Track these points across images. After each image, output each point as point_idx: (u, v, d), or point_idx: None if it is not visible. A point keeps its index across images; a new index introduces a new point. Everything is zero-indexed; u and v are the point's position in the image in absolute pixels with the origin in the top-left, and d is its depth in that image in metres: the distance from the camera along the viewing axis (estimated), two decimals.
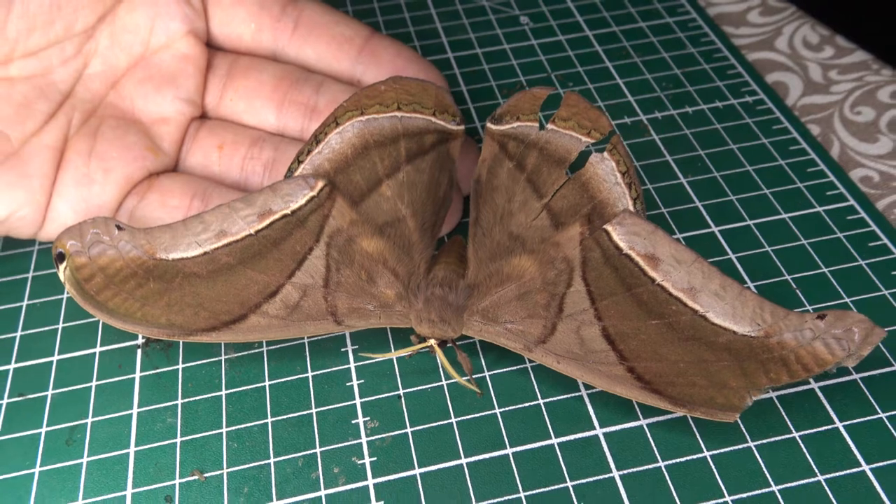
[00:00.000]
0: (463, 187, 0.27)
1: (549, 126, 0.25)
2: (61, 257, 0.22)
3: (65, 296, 0.25)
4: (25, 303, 0.25)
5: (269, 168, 0.26)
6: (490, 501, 0.20)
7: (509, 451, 0.21)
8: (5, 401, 0.23)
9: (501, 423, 0.21)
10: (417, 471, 0.21)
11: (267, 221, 0.23)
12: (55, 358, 0.24)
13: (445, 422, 0.22)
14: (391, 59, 0.28)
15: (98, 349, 0.24)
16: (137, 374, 0.23)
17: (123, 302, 0.21)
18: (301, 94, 0.27)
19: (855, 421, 0.21)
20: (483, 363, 0.23)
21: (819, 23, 0.34)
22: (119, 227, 0.22)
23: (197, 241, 0.22)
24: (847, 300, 0.24)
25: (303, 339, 0.24)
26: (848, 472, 0.20)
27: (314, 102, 0.27)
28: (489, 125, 0.26)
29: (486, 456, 0.21)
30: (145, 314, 0.21)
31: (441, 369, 0.23)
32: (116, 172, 0.25)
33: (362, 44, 0.28)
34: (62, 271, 0.22)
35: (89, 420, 0.22)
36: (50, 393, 0.23)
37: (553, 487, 0.20)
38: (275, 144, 0.27)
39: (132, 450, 0.21)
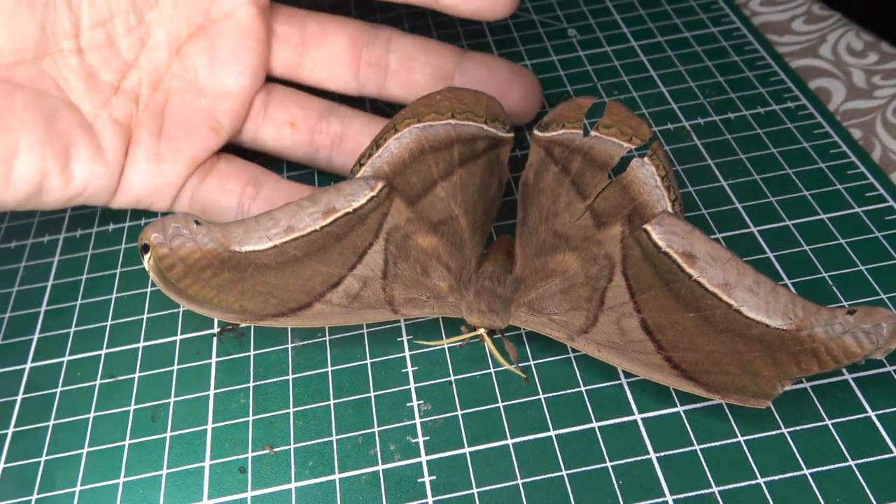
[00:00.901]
0: None
1: (593, 133, 0.27)
2: (146, 248, 0.24)
3: (149, 289, 0.28)
4: (114, 295, 0.28)
5: (337, 143, 0.29)
6: (534, 478, 0.21)
7: (552, 433, 0.22)
8: (98, 381, 0.25)
9: (545, 408, 0.23)
10: (467, 449, 0.22)
11: (331, 218, 0.25)
12: (141, 344, 0.26)
13: (493, 406, 0.23)
14: (487, 78, 0.29)
15: (178, 337, 0.26)
16: (213, 360, 0.25)
17: (201, 289, 0.24)
18: (372, 54, 0.29)
19: (887, 410, 0.22)
20: (529, 352, 0.24)
21: (864, 30, 0.34)
22: (197, 222, 0.25)
23: (267, 235, 0.25)
24: (883, 296, 0.24)
25: (362, 328, 0.25)
26: (879, 457, 0.21)
27: (386, 62, 0.29)
28: (536, 132, 0.27)
29: (531, 437, 0.22)
30: (220, 301, 0.24)
31: (489, 357, 0.24)
32: (184, 153, 0.27)
33: (453, 70, 0.29)
34: (147, 261, 0.24)
35: (172, 400, 0.24)
36: (137, 375, 0.25)
37: (593, 467, 0.22)
38: (340, 118, 0.29)
39: (210, 426, 0.24)
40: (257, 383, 0.25)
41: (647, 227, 0.24)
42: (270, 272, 0.24)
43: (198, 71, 0.28)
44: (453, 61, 0.29)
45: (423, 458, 0.22)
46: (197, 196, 0.28)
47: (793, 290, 0.25)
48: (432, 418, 0.23)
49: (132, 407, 0.24)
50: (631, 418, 0.22)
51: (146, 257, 0.24)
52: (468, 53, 0.30)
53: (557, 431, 0.22)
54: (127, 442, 0.24)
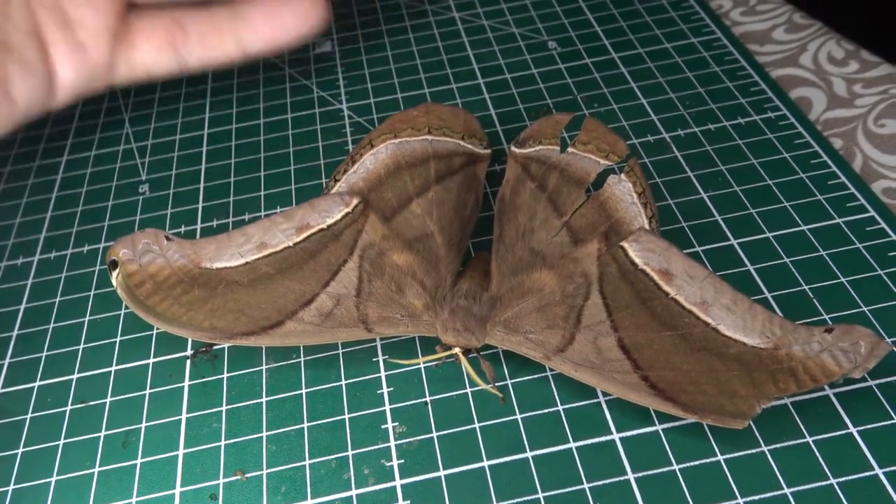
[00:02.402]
0: None
1: (570, 149, 0.26)
2: (114, 265, 0.24)
3: (122, 311, 0.27)
4: (87, 318, 0.27)
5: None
6: (510, 502, 0.21)
7: (529, 454, 0.22)
8: (69, 407, 0.25)
9: (522, 428, 0.23)
10: (442, 472, 0.22)
11: (304, 235, 0.25)
12: (113, 368, 0.26)
13: (469, 427, 0.23)
14: None
15: (151, 360, 0.26)
16: (186, 383, 0.25)
17: (170, 307, 0.23)
18: None
19: (869, 426, 0.21)
20: (506, 371, 0.24)
21: (844, 38, 0.34)
22: (168, 238, 0.24)
23: (239, 251, 0.24)
24: (864, 309, 0.24)
25: (337, 349, 0.25)
26: (861, 475, 0.20)
27: None
28: (513, 148, 0.27)
29: (508, 459, 0.22)
30: (190, 318, 0.23)
31: (466, 377, 0.24)
32: (98, 28, 0.28)
33: None
34: (115, 277, 0.24)
35: (143, 425, 0.24)
36: (108, 400, 0.25)
37: (571, 489, 0.21)
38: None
39: (181, 452, 0.23)
40: (230, 406, 0.24)
41: (624, 244, 0.23)
42: (242, 289, 0.24)
43: None
44: None
45: (398, 482, 0.22)
46: (132, 63, 0.29)
47: (773, 303, 0.24)
48: (407, 440, 0.23)
49: (103, 433, 0.24)
50: (609, 438, 0.22)
51: (114, 274, 0.24)
52: None
53: (534, 452, 0.22)
54: (97, 469, 0.23)
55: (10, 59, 0.27)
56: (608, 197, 0.25)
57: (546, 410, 0.23)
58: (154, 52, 0.29)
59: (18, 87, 0.27)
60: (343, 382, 0.24)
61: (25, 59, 0.28)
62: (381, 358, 0.25)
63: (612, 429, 0.22)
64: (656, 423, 0.22)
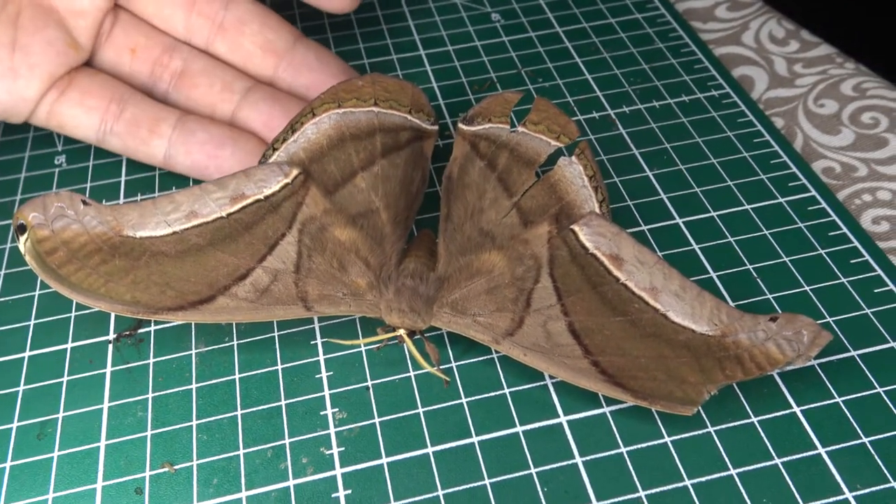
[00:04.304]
0: None
1: (520, 129, 0.25)
2: (22, 229, 0.22)
3: (37, 292, 0.25)
4: None
5: (176, 78, 0.28)
6: (456, 489, 0.20)
7: (475, 439, 0.21)
8: None
9: (468, 413, 0.22)
10: (385, 460, 0.21)
11: (239, 205, 0.23)
12: (26, 354, 0.24)
13: (413, 412, 0.22)
14: (315, 67, 0.28)
15: (69, 345, 0.24)
16: (108, 369, 0.23)
17: (87, 277, 0.22)
18: (210, 6, 0.28)
19: (812, 405, 0.21)
20: (451, 354, 0.23)
21: (785, 17, 0.34)
22: (85, 203, 0.22)
23: (166, 220, 0.23)
24: (807, 288, 0.24)
25: (273, 331, 0.24)
26: (804, 454, 0.20)
27: (221, 18, 0.28)
28: (461, 126, 0.26)
29: (453, 444, 0.21)
30: (109, 290, 0.22)
31: (409, 360, 0.23)
32: (41, 68, 0.26)
33: (284, 49, 0.28)
34: (23, 243, 0.22)
35: (60, 415, 0.22)
36: (21, 388, 0.23)
37: (518, 474, 0.21)
38: (184, 56, 0.28)
39: (103, 443, 0.22)
40: (157, 394, 0.23)
41: (575, 227, 0.23)
42: (168, 261, 0.22)
43: None
44: (287, 41, 0.29)
45: (338, 471, 0.21)
46: (55, 111, 0.27)
47: (718, 283, 0.24)
48: (348, 427, 0.22)
49: (15, 424, 0.22)
50: (556, 421, 0.22)
51: (22, 239, 0.22)
52: (304, 39, 0.29)
53: (480, 437, 0.21)
54: (8, 464, 0.21)
55: None
56: (559, 179, 0.24)
57: (492, 394, 0.22)
58: (79, 113, 0.27)
59: None
60: (279, 367, 0.23)
61: None
62: (319, 341, 0.24)
63: (560, 412, 0.22)
64: (604, 405, 0.22)
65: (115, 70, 0.28)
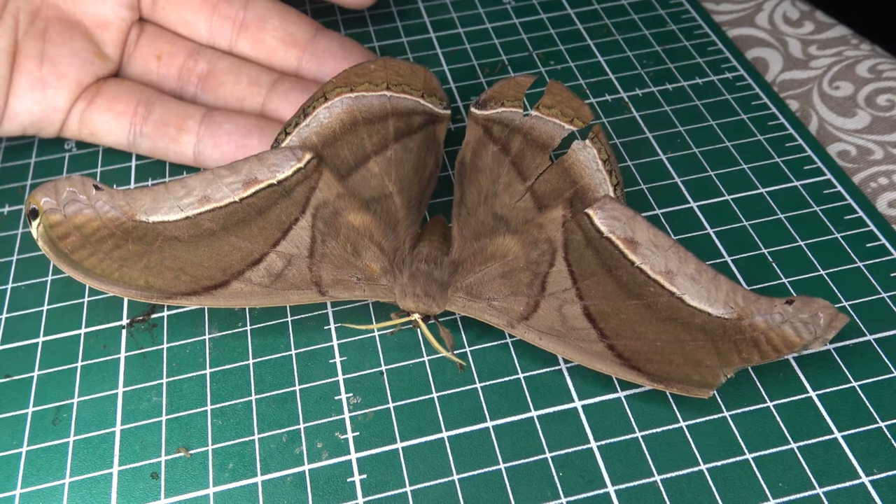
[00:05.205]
0: None
1: (534, 112, 0.25)
2: (34, 214, 0.22)
3: (49, 278, 0.25)
4: (10, 285, 0.25)
5: (203, 80, 0.28)
6: (471, 473, 0.20)
7: (490, 423, 0.21)
8: None
9: (482, 397, 0.22)
10: (399, 444, 0.21)
11: (252, 190, 0.23)
12: (41, 339, 0.24)
13: (427, 396, 0.22)
14: (339, 56, 0.28)
15: (83, 330, 0.24)
16: (122, 355, 0.23)
17: (100, 262, 0.22)
18: (230, 7, 0.29)
19: (828, 390, 0.21)
20: (465, 339, 0.23)
21: None
22: (97, 187, 0.22)
23: (179, 205, 0.23)
24: (822, 272, 0.24)
25: (286, 316, 0.24)
26: (820, 439, 0.20)
27: (242, 17, 0.29)
28: (473, 110, 0.26)
29: (467, 429, 0.21)
30: (123, 275, 0.22)
31: (423, 344, 0.23)
32: (68, 77, 0.27)
33: (306, 41, 0.29)
34: (35, 228, 0.22)
35: (75, 400, 0.22)
36: (36, 374, 0.23)
37: (533, 459, 0.21)
38: (208, 58, 0.28)
39: (118, 428, 0.22)
40: (171, 379, 0.23)
41: (589, 211, 0.23)
42: (182, 245, 0.22)
43: (76, 2, 0.28)
44: (308, 32, 0.29)
45: (353, 456, 0.21)
46: (86, 119, 0.27)
47: (733, 267, 0.24)
48: (362, 412, 0.22)
49: (30, 409, 0.22)
50: (571, 406, 0.21)
51: (34, 224, 0.22)
52: (324, 29, 0.29)
53: (495, 422, 0.21)
54: (25, 449, 0.21)
55: None
56: (573, 163, 0.24)
57: (506, 379, 0.22)
58: (108, 119, 0.27)
59: None
60: (293, 352, 0.23)
61: None
62: (332, 326, 0.24)
63: (574, 396, 0.22)
64: (618, 389, 0.22)
65: (144, 79, 0.29)
